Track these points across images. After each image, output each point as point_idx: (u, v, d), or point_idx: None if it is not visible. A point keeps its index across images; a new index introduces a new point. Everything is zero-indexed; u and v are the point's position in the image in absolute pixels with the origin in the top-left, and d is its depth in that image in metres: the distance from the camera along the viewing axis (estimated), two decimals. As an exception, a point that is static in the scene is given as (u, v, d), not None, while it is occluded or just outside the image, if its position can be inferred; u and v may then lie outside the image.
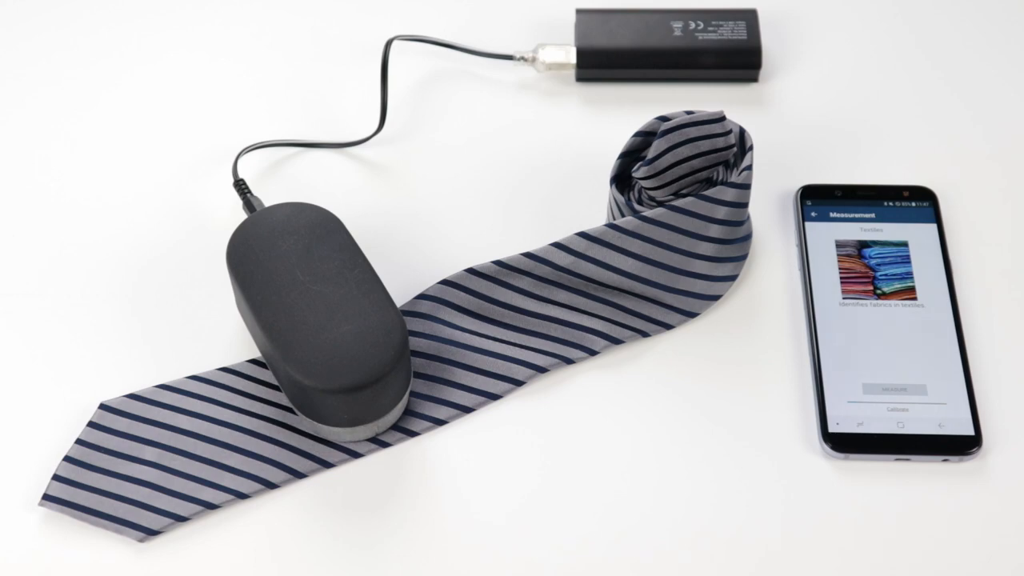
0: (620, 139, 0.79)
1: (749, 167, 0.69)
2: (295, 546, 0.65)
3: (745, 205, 0.70)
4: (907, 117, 0.80)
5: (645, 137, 0.71)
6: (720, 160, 0.70)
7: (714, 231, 0.70)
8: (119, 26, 0.86)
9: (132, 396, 0.69)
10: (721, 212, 0.69)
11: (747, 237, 0.72)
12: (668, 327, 0.71)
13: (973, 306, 0.71)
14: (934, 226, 0.74)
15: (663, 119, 0.71)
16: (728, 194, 0.69)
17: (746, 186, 0.69)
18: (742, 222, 0.71)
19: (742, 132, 0.70)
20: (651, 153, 0.69)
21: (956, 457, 0.66)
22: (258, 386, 0.69)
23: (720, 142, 0.69)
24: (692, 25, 0.82)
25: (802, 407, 0.68)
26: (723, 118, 0.69)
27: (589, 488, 0.66)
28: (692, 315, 0.71)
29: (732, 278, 0.72)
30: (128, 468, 0.66)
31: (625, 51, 0.81)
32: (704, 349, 0.71)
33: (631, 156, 0.72)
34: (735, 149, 0.70)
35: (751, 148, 0.70)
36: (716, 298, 0.72)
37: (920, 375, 0.68)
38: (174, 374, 0.70)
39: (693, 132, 0.69)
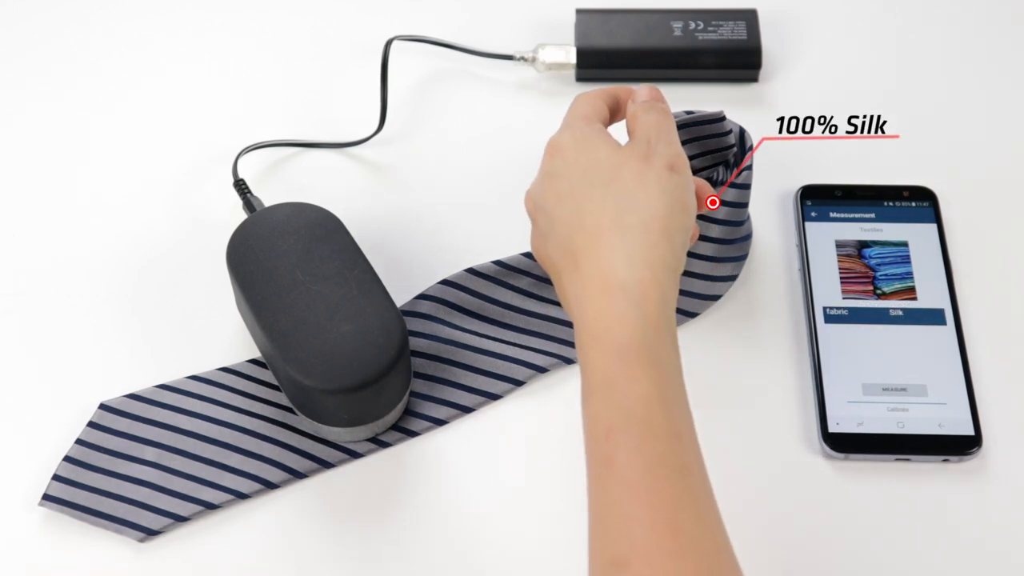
0: (620, 139, 0.79)
1: (749, 167, 0.69)
2: (295, 546, 0.65)
3: (745, 205, 0.70)
4: (907, 117, 0.80)
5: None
6: (720, 160, 0.70)
7: (714, 231, 0.70)
8: (119, 27, 0.86)
9: (132, 396, 0.69)
10: (721, 212, 0.69)
11: (747, 237, 0.72)
12: (668, 327, 0.71)
13: (973, 306, 0.71)
14: (934, 226, 0.74)
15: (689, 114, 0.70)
16: (728, 194, 0.68)
17: (746, 186, 0.69)
18: (742, 222, 0.71)
19: (742, 132, 0.70)
20: None
21: (956, 457, 0.66)
22: (258, 386, 0.69)
23: (720, 142, 0.69)
24: (692, 25, 0.82)
25: (802, 407, 0.68)
26: (723, 118, 0.69)
27: (589, 488, 0.66)
28: (692, 315, 0.71)
29: (732, 278, 0.72)
30: (128, 468, 0.66)
31: (625, 51, 0.81)
32: (704, 349, 0.71)
33: None
34: (735, 149, 0.70)
35: (751, 148, 0.70)
36: (716, 298, 0.72)
37: (920, 375, 0.68)
38: (174, 374, 0.70)
39: (694, 132, 0.69)
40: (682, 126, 0.69)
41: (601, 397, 0.54)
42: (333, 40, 0.85)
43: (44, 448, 0.68)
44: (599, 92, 0.65)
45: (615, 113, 0.65)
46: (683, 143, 0.69)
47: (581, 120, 0.63)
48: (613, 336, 0.55)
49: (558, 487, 0.66)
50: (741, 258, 0.72)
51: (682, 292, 0.71)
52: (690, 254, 0.70)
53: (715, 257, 0.71)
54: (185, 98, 0.82)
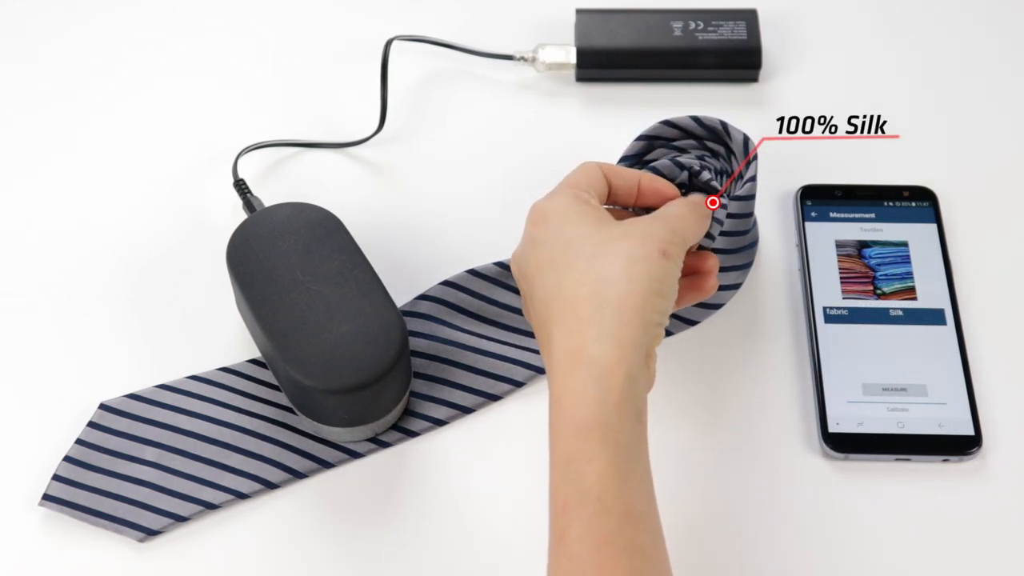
0: (620, 139, 0.79)
1: (753, 177, 0.67)
2: (295, 546, 0.65)
3: (749, 215, 0.69)
4: (907, 117, 0.80)
5: (649, 141, 0.70)
6: (724, 167, 0.69)
7: (718, 242, 0.69)
8: (119, 27, 0.86)
9: (132, 396, 0.69)
10: (726, 224, 0.68)
11: (752, 244, 0.72)
12: (668, 334, 0.71)
13: (973, 306, 0.71)
14: (934, 226, 0.74)
15: (668, 123, 0.70)
16: (732, 206, 0.67)
17: (750, 197, 0.68)
18: (747, 231, 0.70)
19: (746, 140, 0.68)
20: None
21: (956, 457, 0.66)
22: (258, 386, 0.69)
23: (724, 147, 0.69)
24: (692, 25, 0.81)
25: (802, 407, 0.68)
26: (726, 129, 0.68)
27: (589, 488, 0.66)
28: (693, 323, 0.71)
29: (736, 286, 0.71)
30: (128, 468, 0.66)
31: (625, 51, 0.81)
32: (705, 349, 0.71)
33: (633, 160, 0.70)
34: (736, 156, 0.69)
35: (756, 158, 0.68)
36: (719, 307, 0.71)
37: (920, 375, 0.68)
38: (174, 374, 0.70)
39: (700, 136, 0.68)
40: (685, 129, 0.68)
41: (560, 472, 0.55)
42: (333, 40, 0.85)
43: (44, 448, 0.68)
44: (601, 165, 0.64)
45: (621, 193, 0.64)
46: (689, 146, 0.69)
47: (569, 188, 0.62)
48: (575, 414, 0.55)
49: (558, 487, 0.66)
50: (746, 266, 0.72)
51: None
52: None
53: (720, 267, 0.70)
54: (185, 98, 0.82)
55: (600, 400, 0.55)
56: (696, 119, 0.69)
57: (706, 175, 0.66)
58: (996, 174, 0.77)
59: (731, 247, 0.70)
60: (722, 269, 0.70)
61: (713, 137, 0.69)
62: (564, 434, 0.55)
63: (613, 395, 0.55)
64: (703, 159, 0.69)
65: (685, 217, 0.62)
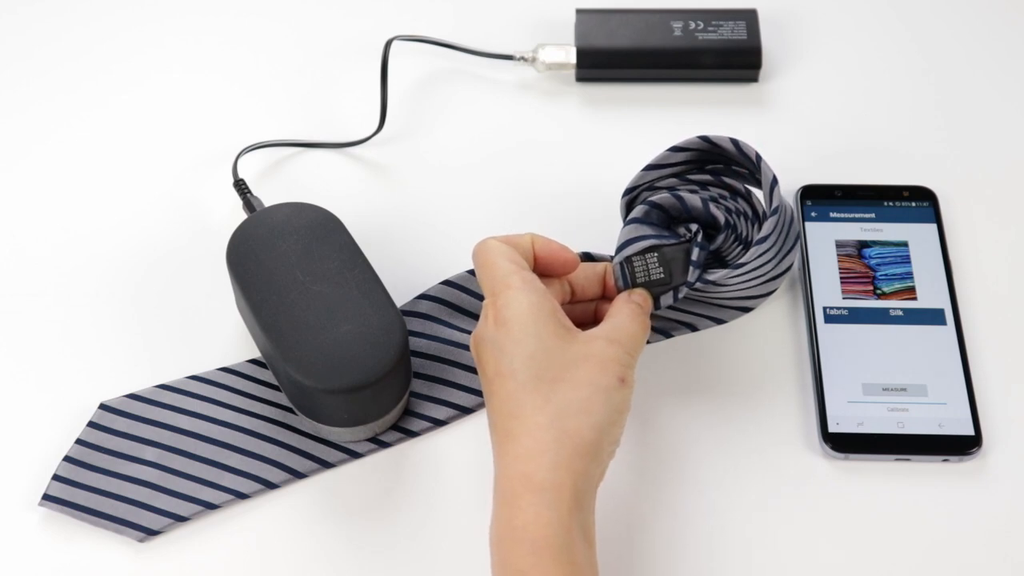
0: (620, 139, 0.79)
1: (775, 211, 0.65)
2: (295, 546, 0.65)
3: (778, 246, 0.66)
4: (907, 117, 0.80)
5: (681, 153, 0.68)
6: (740, 185, 0.69)
7: (754, 288, 0.68)
8: (120, 27, 0.86)
9: (132, 396, 0.69)
10: (761, 269, 0.67)
11: (793, 248, 0.69)
12: (668, 336, 0.71)
13: (973, 306, 0.71)
14: (934, 226, 0.74)
15: (704, 139, 0.68)
16: (760, 250, 0.65)
17: (765, 238, 0.65)
18: (771, 262, 0.67)
19: (759, 159, 0.66)
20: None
21: (956, 457, 0.66)
22: (258, 386, 0.69)
23: (740, 168, 0.68)
24: (692, 25, 0.81)
25: (802, 407, 0.68)
26: (738, 145, 0.67)
27: (589, 488, 0.66)
28: (695, 329, 0.71)
29: (768, 294, 0.71)
30: (128, 468, 0.66)
31: (625, 51, 0.81)
32: (705, 350, 0.71)
33: (660, 169, 0.69)
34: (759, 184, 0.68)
35: (775, 183, 0.65)
36: (747, 310, 0.71)
37: (920, 375, 0.68)
38: (174, 374, 0.70)
39: (715, 154, 0.68)
40: (697, 150, 0.68)
41: None
42: (333, 40, 0.85)
43: (44, 448, 0.68)
44: (498, 239, 0.64)
45: (530, 260, 0.64)
46: (705, 163, 0.69)
47: (521, 278, 0.62)
48: (526, 535, 0.56)
49: (558, 487, 0.66)
50: (783, 274, 0.70)
51: (706, 316, 0.70)
52: (724, 302, 0.70)
53: (753, 295, 0.69)
54: (185, 98, 0.82)
55: (554, 523, 0.56)
56: (735, 142, 0.67)
57: (694, 227, 0.66)
58: (996, 174, 0.77)
59: (769, 278, 0.68)
60: (756, 297, 0.70)
61: (744, 164, 0.68)
62: (516, 551, 0.56)
63: (564, 519, 0.56)
64: (707, 188, 0.69)
65: (638, 337, 0.63)
